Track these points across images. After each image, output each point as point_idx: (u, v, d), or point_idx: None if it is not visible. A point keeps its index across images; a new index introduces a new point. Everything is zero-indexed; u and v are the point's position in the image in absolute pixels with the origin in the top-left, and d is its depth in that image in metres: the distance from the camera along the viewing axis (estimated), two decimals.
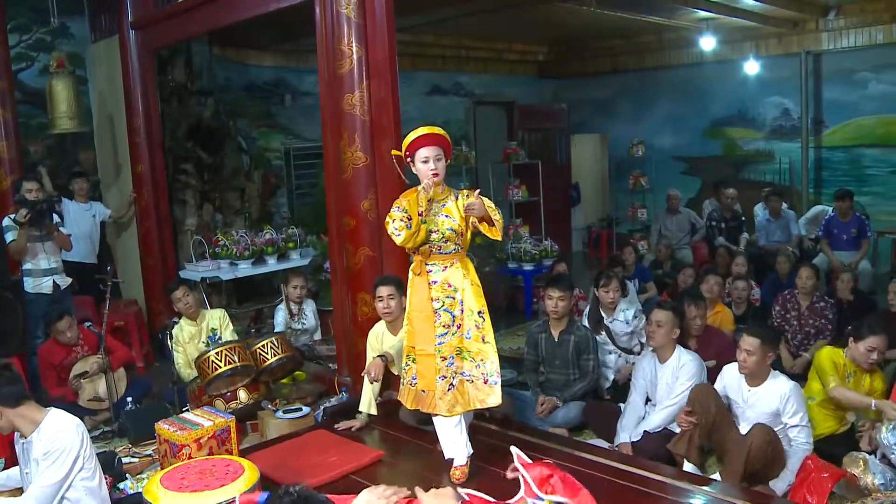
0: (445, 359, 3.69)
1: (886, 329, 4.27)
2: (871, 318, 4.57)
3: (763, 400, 4.01)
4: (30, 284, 5.97)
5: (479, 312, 3.71)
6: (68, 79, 6.79)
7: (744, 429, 4.02)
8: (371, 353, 4.72)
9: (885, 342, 4.20)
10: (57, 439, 3.14)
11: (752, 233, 9.30)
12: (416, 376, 3.80)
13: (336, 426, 4.68)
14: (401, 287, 4.62)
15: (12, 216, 5.87)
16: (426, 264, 3.78)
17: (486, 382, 3.74)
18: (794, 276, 6.26)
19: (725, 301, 6.54)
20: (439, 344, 3.67)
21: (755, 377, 4.07)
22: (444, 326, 3.68)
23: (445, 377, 3.70)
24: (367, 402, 4.71)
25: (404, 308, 4.60)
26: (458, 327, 3.68)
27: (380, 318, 4.76)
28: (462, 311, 3.68)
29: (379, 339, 4.70)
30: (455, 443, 3.84)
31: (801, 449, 3.90)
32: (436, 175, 3.57)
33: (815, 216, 8.66)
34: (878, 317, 4.73)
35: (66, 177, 7.30)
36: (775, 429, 3.93)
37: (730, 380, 4.20)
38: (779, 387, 3.99)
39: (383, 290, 4.61)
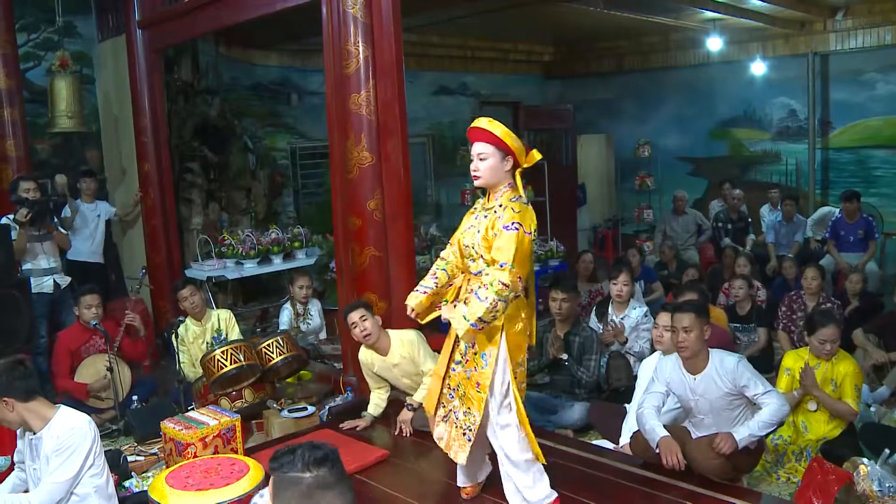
0: (451, 388, 3.49)
1: (836, 320, 4.40)
2: (819, 312, 4.66)
3: (712, 385, 3.72)
4: (32, 284, 5.96)
5: (483, 355, 3.30)
6: (70, 78, 6.80)
7: (699, 423, 3.85)
8: (368, 376, 4.73)
9: (835, 332, 4.29)
10: (70, 436, 3.15)
11: (759, 233, 9.29)
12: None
13: (341, 426, 4.69)
14: (369, 308, 4.60)
15: (11, 216, 5.87)
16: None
17: (463, 434, 3.45)
18: (800, 278, 6.27)
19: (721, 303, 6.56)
20: (452, 371, 3.46)
21: (696, 360, 3.76)
22: (460, 355, 3.43)
23: (444, 406, 3.53)
24: (375, 405, 4.73)
25: (381, 325, 4.61)
26: (467, 363, 3.39)
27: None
28: (473, 345, 3.33)
29: (370, 363, 4.69)
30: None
31: (774, 407, 3.61)
32: (475, 178, 3.28)
33: (821, 217, 8.64)
34: (826, 311, 4.82)
35: (72, 176, 7.31)
36: (733, 408, 3.74)
37: (671, 375, 3.87)
38: (724, 365, 3.70)
39: (354, 315, 4.50)
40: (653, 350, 4.81)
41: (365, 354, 4.68)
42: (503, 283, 3.04)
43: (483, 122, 3.23)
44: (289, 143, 9.78)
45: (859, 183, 9.52)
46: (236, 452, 4.02)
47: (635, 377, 4.95)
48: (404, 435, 4.56)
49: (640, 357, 5.28)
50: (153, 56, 7.14)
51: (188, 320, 5.62)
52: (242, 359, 4.97)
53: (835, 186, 9.90)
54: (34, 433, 3.22)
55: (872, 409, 4.85)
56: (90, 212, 7.05)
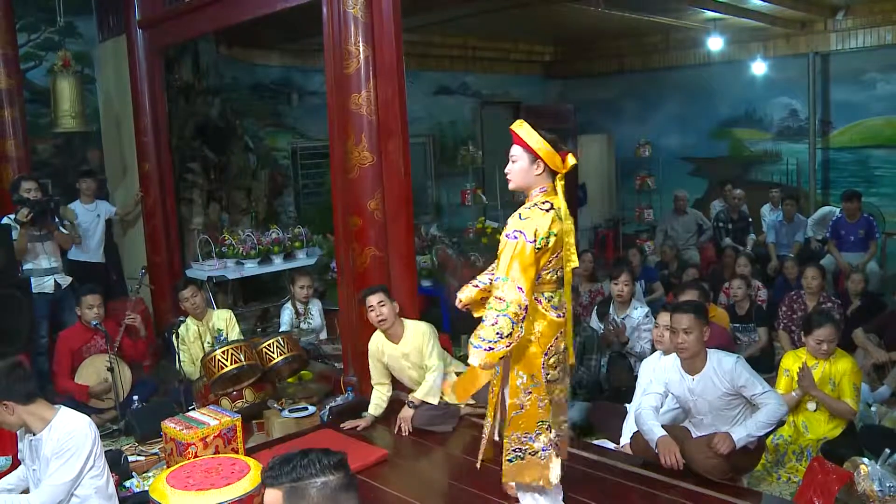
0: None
1: (832, 320, 4.41)
2: (815, 312, 4.73)
3: (710, 385, 3.75)
4: (32, 284, 5.97)
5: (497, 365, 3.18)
6: (73, 77, 6.80)
7: (699, 423, 3.89)
8: (375, 365, 4.73)
9: (831, 332, 4.30)
10: (70, 438, 3.15)
11: (759, 233, 9.29)
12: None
13: (342, 425, 4.69)
14: (388, 293, 4.61)
15: (12, 216, 5.87)
16: None
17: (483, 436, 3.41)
18: (801, 278, 6.27)
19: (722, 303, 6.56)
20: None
21: (695, 361, 3.78)
22: None
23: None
24: (375, 405, 4.73)
25: (398, 313, 4.61)
26: None
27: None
28: None
29: (380, 350, 4.70)
30: None
31: (772, 407, 3.65)
32: (507, 180, 3.19)
33: (822, 217, 8.64)
34: (823, 311, 4.88)
35: (73, 176, 7.32)
36: (732, 408, 3.76)
37: (670, 376, 3.92)
38: (722, 365, 3.73)
39: (373, 299, 4.55)
40: (653, 350, 4.81)
41: (376, 341, 4.69)
42: (497, 298, 2.93)
43: (515, 124, 3.15)
44: (289, 142, 9.78)
45: (860, 183, 9.51)
46: (237, 452, 4.02)
47: (636, 377, 4.95)
48: (403, 433, 4.56)
49: (641, 357, 5.28)
50: (154, 56, 7.14)
51: (189, 320, 5.63)
52: (243, 359, 4.97)
53: (835, 186, 9.89)
54: (34, 435, 3.22)
55: (873, 408, 4.85)
56: (89, 212, 7.04)
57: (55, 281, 6.16)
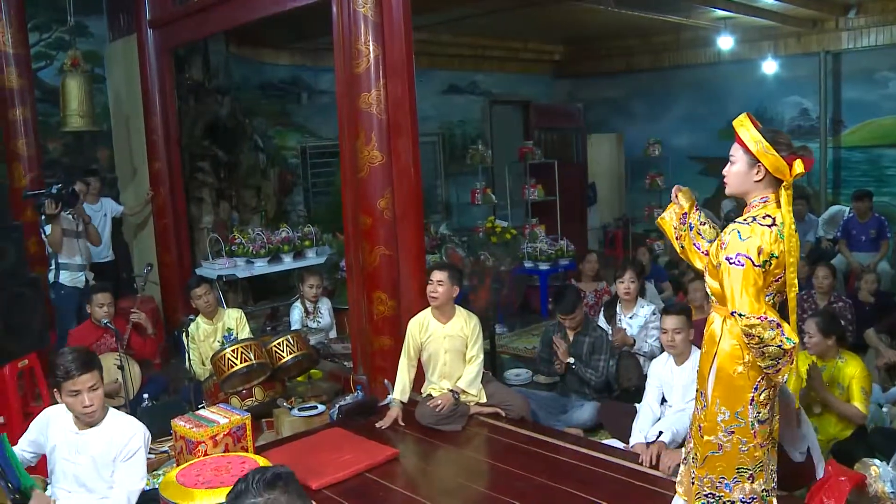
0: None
1: (817, 316, 4.43)
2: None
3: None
4: (66, 277, 6.05)
5: (701, 393, 2.86)
6: (81, 77, 6.84)
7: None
8: (410, 342, 4.76)
9: (812, 326, 4.31)
10: (133, 442, 3.21)
11: None
12: None
13: (378, 424, 4.68)
14: (455, 276, 4.69)
15: (41, 209, 5.91)
16: None
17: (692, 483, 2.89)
18: (812, 278, 6.23)
19: None
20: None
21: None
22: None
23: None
24: (402, 390, 4.75)
25: (453, 297, 4.66)
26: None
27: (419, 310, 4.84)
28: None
29: (422, 327, 4.74)
30: None
31: None
32: (724, 183, 2.82)
33: (832, 217, 8.60)
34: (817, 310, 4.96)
35: (82, 175, 7.35)
36: None
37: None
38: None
39: (435, 275, 4.66)
40: (662, 349, 4.80)
41: (420, 318, 4.76)
42: (747, 337, 2.60)
43: (737, 120, 2.78)
44: (299, 141, 9.81)
45: (871, 182, 9.45)
46: (247, 451, 4.03)
47: (645, 376, 4.93)
48: (438, 410, 4.56)
49: (651, 356, 5.27)
50: (164, 55, 7.17)
51: (199, 318, 5.64)
52: (252, 357, 4.98)
53: (846, 185, 9.84)
54: (78, 430, 3.22)
55: (885, 409, 4.82)
56: (95, 212, 7.05)
57: (85, 277, 6.27)
